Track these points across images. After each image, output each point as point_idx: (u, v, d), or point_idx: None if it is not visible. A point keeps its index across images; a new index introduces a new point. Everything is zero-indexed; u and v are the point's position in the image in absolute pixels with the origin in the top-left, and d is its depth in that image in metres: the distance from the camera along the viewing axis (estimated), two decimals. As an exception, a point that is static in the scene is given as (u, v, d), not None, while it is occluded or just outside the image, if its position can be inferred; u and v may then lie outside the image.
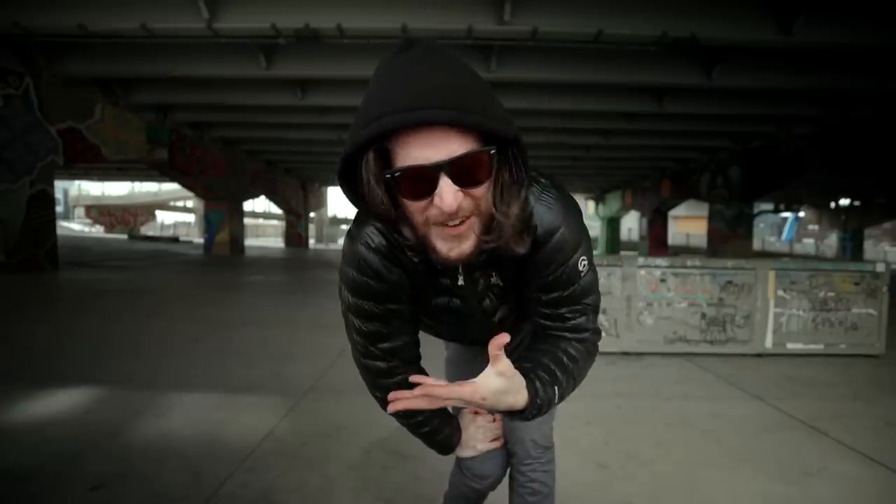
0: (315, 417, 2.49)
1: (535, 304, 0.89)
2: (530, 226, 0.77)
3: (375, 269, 0.82)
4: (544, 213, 0.79)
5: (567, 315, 0.88)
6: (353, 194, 0.75)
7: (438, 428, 1.05)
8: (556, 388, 0.82)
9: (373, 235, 0.81)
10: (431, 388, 0.72)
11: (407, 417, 1.01)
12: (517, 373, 0.77)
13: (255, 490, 1.79)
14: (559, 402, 0.85)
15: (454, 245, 0.72)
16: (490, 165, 0.68)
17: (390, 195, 0.71)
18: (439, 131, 0.64)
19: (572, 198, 0.84)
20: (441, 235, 0.71)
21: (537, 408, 0.79)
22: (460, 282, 0.86)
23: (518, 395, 0.77)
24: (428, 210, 0.69)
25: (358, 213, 0.86)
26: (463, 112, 0.63)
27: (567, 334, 0.89)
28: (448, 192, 0.66)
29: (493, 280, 0.88)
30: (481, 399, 0.73)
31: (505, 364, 0.74)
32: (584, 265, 0.84)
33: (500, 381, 0.74)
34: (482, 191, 0.69)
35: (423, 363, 0.99)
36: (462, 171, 0.66)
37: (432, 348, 1.26)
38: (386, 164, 0.69)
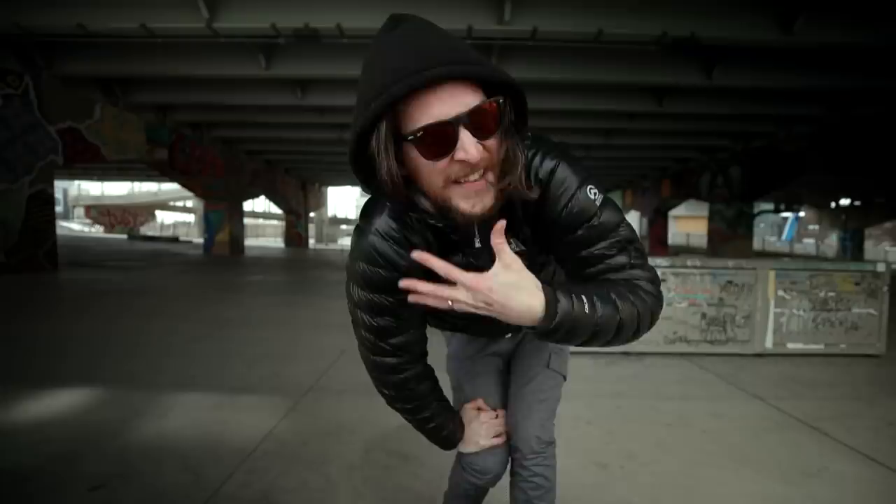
0: (315, 417, 2.49)
1: (571, 255, 0.84)
2: (531, 172, 0.80)
3: (388, 258, 0.83)
4: (540, 157, 0.81)
5: (604, 252, 0.82)
6: (365, 178, 0.76)
7: (443, 424, 1.05)
8: (585, 301, 0.72)
9: (382, 223, 0.82)
10: (435, 263, 0.69)
11: (412, 413, 1.02)
12: (527, 271, 0.71)
13: (255, 490, 1.79)
14: (596, 331, 0.74)
15: (476, 201, 0.73)
16: (499, 115, 0.70)
17: (402, 166, 0.72)
18: (450, 88, 0.66)
19: (564, 143, 0.86)
20: (462, 194, 0.72)
21: (558, 318, 0.70)
22: (477, 244, 0.84)
23: (532, 296, 0.69)
24: (449, 168, 0.70)
25: (364, 206, 0.86)
26: (470, 65, 0.66)
27: (612, 275, 0.82)
28: (470, 143, 0.67)
29: (513, 247, 0.85)
30: (488, 289, 0.68)
31: (510, 256, 0.70)
32: (594, 192, 0.81)
33: (508, 273, 0.69)
34: (494, 141, 0.71)
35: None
36: (478, 123, 0.68)
37: (433, 342, 1.26)
38: (396, 136, 0.70)
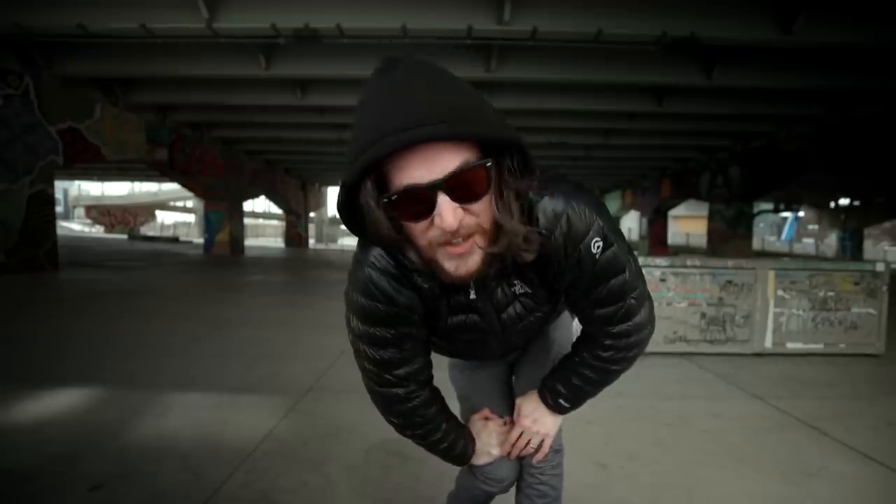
0: (315, 417, 2.49)
1: (571, 299, 0.89)
2: (535, 228, 0.75)
3: (385, 293, 0.80)
4: (547, 202, 0.76)
5: (591, 309, 0.86)
6: (353, 223, 0.72)
7: (454, 443, 1.03)
8: (566, 385, 1.03)
9: (380, 258, 0.79)
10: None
11: (423, 438, 1.00)
12: (536, 410, 1.06)
13: (255, 490, 1.79)
14: (597, 384, 1.07)
15: (460, 263, 0.70)
16: (487, 178, 0.66)
17: (392, 220, 0.69)
18: (433, 149, 0.63)
19: (578, 184, 0.81)
20: (446, 255, 0.70)
21: (556, 396, 1.04)
22: (472, 296, 0.83)
23: (546, 415, 1.06)
24: (430, 231, 0.67)
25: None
26: (455, 124, 0.61)
27: (599, 333, 0.92)
28: (447, 211, 0.64)
29: (518, 289, 0.85)
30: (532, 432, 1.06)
31: (524, 419, 1.06)
32: (598, 247, 0.78)
33: (531, 422, 1.05)
34: (482, 205, 0.67)
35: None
36: (459, 188, 0.64)
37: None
38: (385, 188, 0.67)
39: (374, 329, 0.83)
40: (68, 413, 2.45)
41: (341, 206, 0.70)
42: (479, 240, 0.69)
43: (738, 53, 7.69)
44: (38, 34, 7.14)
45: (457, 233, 0.66)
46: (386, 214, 0.68)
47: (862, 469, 2.08)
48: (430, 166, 0.63)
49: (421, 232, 0.68)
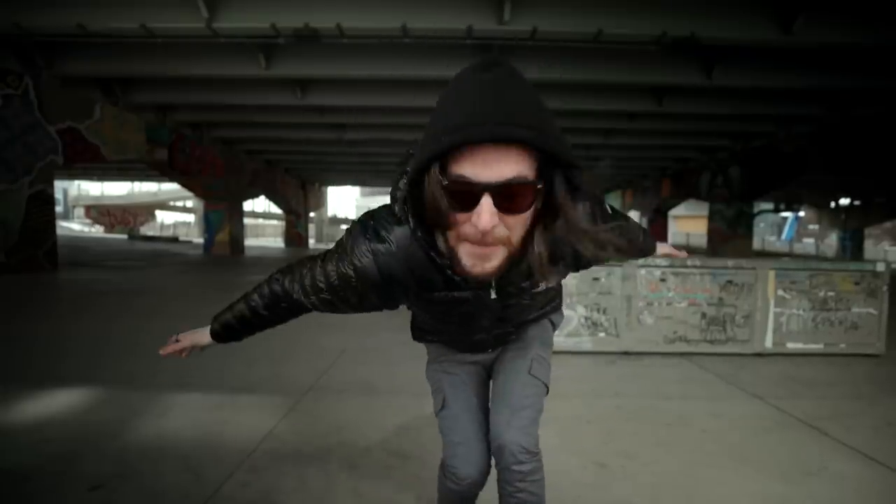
0: (315, 417, 2.49)
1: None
2: (556, 266, 0.80)
3: (374, 270, 0.86)
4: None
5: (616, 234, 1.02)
6: (413, 206, 0.77)
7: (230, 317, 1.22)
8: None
9: (401, 238, 0.84)
10: None
11: (243, 308, 1.21)
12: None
13: (255, 490, 1.79)
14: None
15: (478, 262, 0.73)
16: (533, 199, 0.69)
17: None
18: (500, 150, 0.65)
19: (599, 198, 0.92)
20: (467, 251, 0.72)
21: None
22: (493, 295, 0.87)
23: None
24: (464, 225, 0.70)
25: (384, 211, 0.87)
26: (540, 133, 0.64)
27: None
28: (486, 213, 0.66)
29: (541, 288, 0.92)
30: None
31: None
32: (610, 208, 0.98)
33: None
34: (518, 220, 0.70)
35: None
36: (505, 197, 0.66)
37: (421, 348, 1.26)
38: (443, 171, 0.69)
39: (336, 281, 0.92)
40: (68, 413, 2.44)
41: (415, 177, 0.72)
42: (501, 251, 0.72)
43: (738, 53, 7.69)
44: (38, 34, 7.14)
45: (485, 236, 0.69)
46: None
47: (862, 469, 2.08)
48: (489, 166, 0.65)
49: (457, 222, 0.71)
